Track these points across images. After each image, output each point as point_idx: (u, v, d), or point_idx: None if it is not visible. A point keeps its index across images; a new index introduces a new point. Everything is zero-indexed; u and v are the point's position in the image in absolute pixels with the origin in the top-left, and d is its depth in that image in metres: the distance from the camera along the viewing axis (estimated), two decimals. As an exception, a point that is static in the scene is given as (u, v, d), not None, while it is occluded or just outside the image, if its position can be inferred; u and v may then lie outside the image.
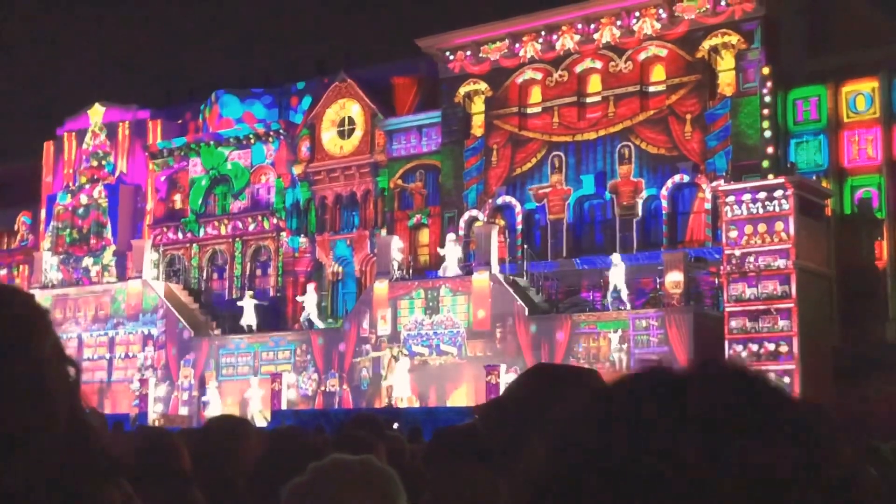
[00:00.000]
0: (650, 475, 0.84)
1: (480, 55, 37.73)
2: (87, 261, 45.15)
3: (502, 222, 36.22)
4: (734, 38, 33.21)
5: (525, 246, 34.73)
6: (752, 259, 28.55)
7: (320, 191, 41.23)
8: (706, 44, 33.56)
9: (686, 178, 33.49)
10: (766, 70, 32.12)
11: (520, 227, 36.03)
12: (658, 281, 30.91)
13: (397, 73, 40.99)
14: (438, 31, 38.72)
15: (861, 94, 31.34)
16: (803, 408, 0.92)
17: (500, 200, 36.71)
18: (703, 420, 0.86)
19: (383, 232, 38.34)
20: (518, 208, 36.35)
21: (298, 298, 37.80)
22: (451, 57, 38.18)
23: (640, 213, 34.23)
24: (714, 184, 31.54)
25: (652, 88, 34.69)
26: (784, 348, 27.69)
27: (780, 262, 28.16)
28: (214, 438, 4.24)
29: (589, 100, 35.83)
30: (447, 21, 40.01)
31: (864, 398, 25.04)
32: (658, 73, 34.73)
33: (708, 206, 32.65)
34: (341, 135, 41.00)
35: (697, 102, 33.54)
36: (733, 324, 28.48)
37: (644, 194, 34.22)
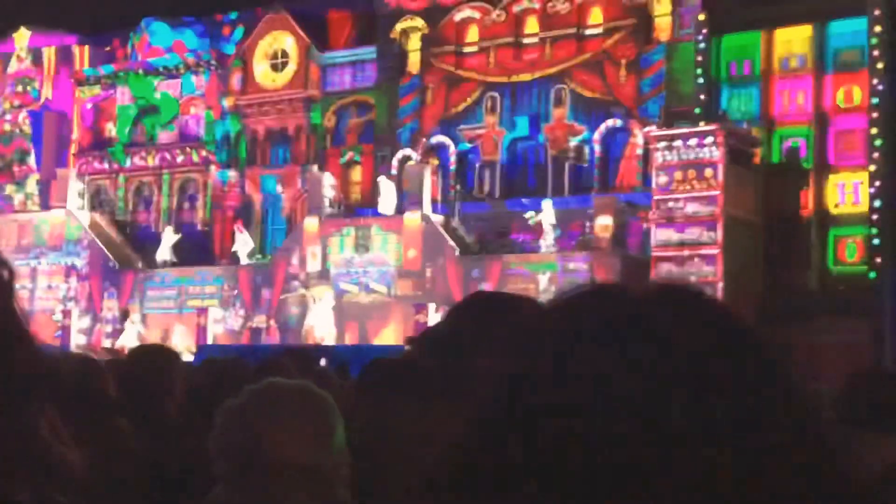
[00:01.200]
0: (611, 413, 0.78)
1: None
2: (10, 189, 44.13)
3: (436, 162, 36.13)
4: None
5: (457, 186, 34.72)
6: (680, 205, 28.88)
7: (251, 124, 40.67)
8: None
9: (619, 123, 33.64)
10: (701, 16, 32.23)
11: (453, 167, 35.98)
12: (588, 225, 31.15)
13: (333, 6, 40.37)
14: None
15: (794, 42, 31.61)
16: (773, 347, 0.87)
17: (433, 140, 36.57)
18: (682, 360, 0.80)
19: (314, 168, 37.98)
20: (452, 149, 36.26)
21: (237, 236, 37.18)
22: None
23: (575, 158, 34.35)
24: (646, 129, 31.74)
25: (589, 31, 34.66)
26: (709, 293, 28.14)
27: (708, 209, 28.52)
28: (141, 367, 4.15)
29: (526, 41, 35.69)
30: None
31: (787, 344, 25.56)
32: (595, 16, 34.68)
33: (640, 151, 32.89)
34: (274, 67, 40.37)
35: (633, 47, 33.61)
36: (660, 268, 28.84)
37: (578, 138, 34.34)
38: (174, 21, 43.80)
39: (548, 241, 31.15)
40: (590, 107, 34.24)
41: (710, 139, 28.80)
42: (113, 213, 41.91)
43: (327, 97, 39.09)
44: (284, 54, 40.23)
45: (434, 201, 33.70)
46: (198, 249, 38.87)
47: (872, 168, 28.97)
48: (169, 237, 37.01)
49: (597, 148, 33.95)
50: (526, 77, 35.35)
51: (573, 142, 34.31)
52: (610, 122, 33.72)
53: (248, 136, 40.69)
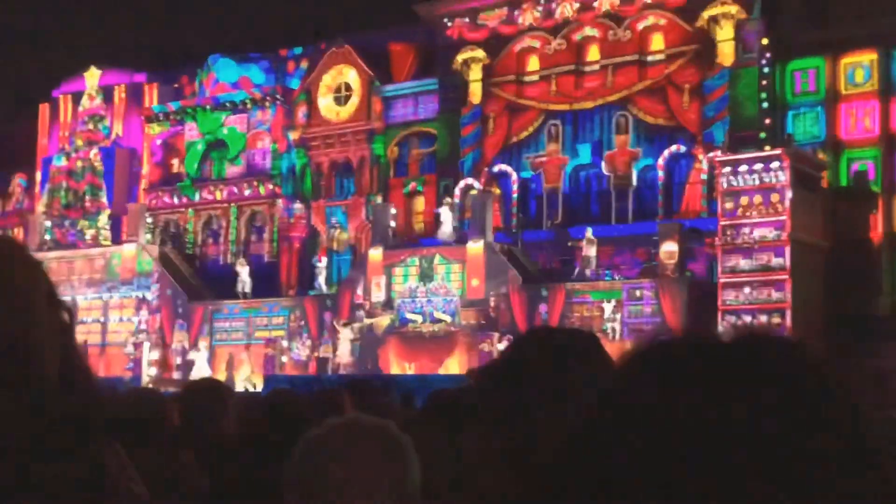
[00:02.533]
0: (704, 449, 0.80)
1: (479, 22, 37.52)
2: (82, 224, 45.04)
3: (498, 191, 36.18)
4: (733, 9, 33.03)
5: (520, 214, 34.72)
6: (746, 231, 28.54)
7: (316, 157, 41.10)
8: (706, 13, 33.39)
9: (683, 149, 33.43)
10: (764, 41, 31.98)
11: (515, 195, 35.99)
12: (652, 251, 30.92)
13: (395, 39, 40.75)
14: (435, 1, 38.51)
15: (860, 66, 31.23)
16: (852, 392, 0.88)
17: (495, 169, 36.64)
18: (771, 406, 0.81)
19: (378, 199, 38.27)
20: (514, 177, 36.29)
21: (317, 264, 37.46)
22: (449, 24, 37.96)
23: (634, 183, 34.19)
24: (711, 154, 31.48)
25: (650, 58, 34.56)
26: (777, 320, 27.74)
27: (775, 234, 28.16)
28: (194, 400, 4.25)
29: (587, 68, 35.69)
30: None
31: (856, 370, 25.09)
32: (657, 43, 34.58)
33: (704, 176, 32.62)
34: (338, 101, 40.81)
35: (696, 72, 33.42)
36: (727, 295, 28.51)
37: (640, 164, 34.18)
38: (240, 57, 44.55)
39: (589, 266, 31.05)
40: (652, 133, 34.09)
41: (776, 163, 28.47)
42: (182, 247, 42.57)
43: (390, 128, 39.41)
44: (348, 87, 40.66)
45: (497, 230, 33.72)
46: (265, 281, 39.29)
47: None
48: (244, 269, 37.38)
49: (660, 174, 33.75)
50: (588, 104, 35.31)
51: (636, 168, 34.17)
52: (673, 148, 33.52)
53: (313, 169, 41.13)
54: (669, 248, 29.94)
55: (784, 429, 0.80)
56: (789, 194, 28.17)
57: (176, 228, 43.53)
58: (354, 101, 40.38)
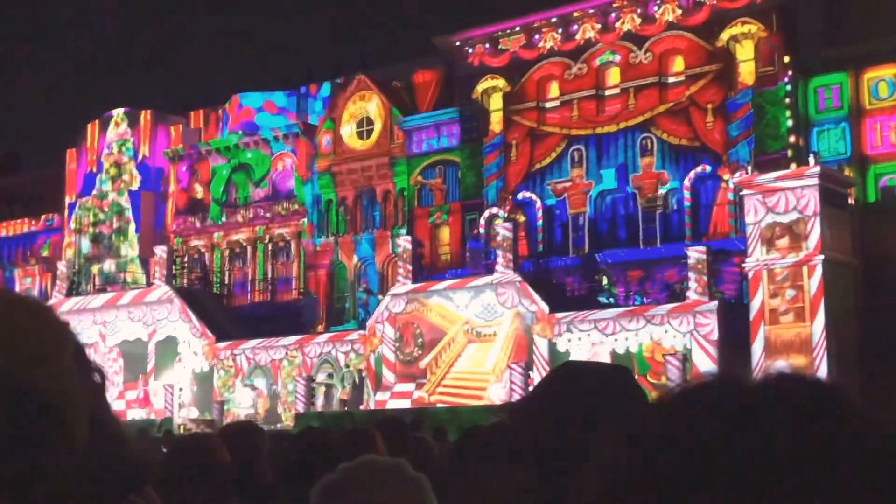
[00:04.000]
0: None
1: (499, 47, 37.68)
2: (110, 266, 45.40)
3: (522, 218, 36.16)
4: (754, 27, 33.00)
5: (544, 243, 34.73)
6: (776, 255, 28.29)
7: (340, 191, 41.25)
8: (725, 34, 33.37)
9: (709, 169, 33.32)
10: (786, 59, 31.91)
11: (540, 222, 35.96)
12: (681, 273, 30.76)
13: (416, 67, 41.04)
14: (456, 31, 38.74)
15: (883, 80, 31.08)
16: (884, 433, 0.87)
17: (519, 196, 36.63)
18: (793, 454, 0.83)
19: (403, 231, 38.36)
20: (538, 204, 36.27)
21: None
22: (470, 51, 38.10)
23: (665, 205, 34.09)
24: (737, 176, 31.33)
25: (672, 79, 34.55)
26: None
27: (805, 253, 27.91)
28: (234, 443, 4.22)
29: (608, 92, 35.72)
30: (465, 21, 40.13)
31: (891, 388, 24.81)
32: (678, 64, 34.57)
33: (731, 196, 32.47)
34: (360, 135, 41.02)
35: (718, 92, 33.37)
36: (757, 316, 28.30)
37: (667, 186, 34.09)
38: (262, 96, 45.19)
39: (611, 292, 31.07)
40: (677, 154, 34.01)
41: (802, 182, 28.26)
42: (209, 286, 42.78)
43: (412, 158, 39.54)
44: (369, 121, 40.87)
45: (524, 258, 33.72)
46: (292, 316, 39.41)
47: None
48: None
49: (686, 195, 33.64)
50: (611, 128, 35.31)
51: (662, 191, 34.08)
52: (699, 169, 33.42)
53: (338, 202, 41.28)
54: (698, 273, 29.68)
55: (819, 474, 0.82)
56: (817, 212, 27.91)
57: (203, 269, 43.73)
58: (376, 132, 40.59)
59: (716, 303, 29.14)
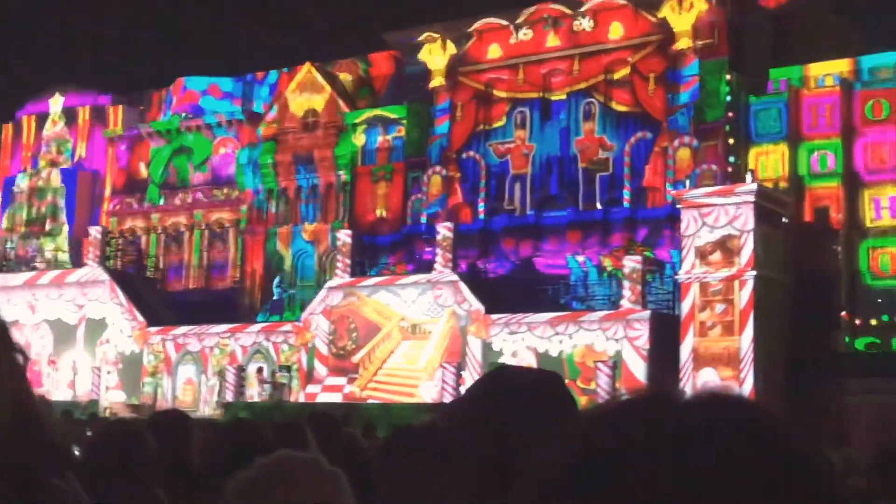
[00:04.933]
0: None
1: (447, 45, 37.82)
2: (43, 241, 44.66)
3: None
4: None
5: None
6: (711, 269, 28.67)
7: (282, 182, 40.91)
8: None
9: (649, 136, 33.87)
10: (728, 76, 32.50)
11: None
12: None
13: (363, 65, 40.98)
14: (407, 27, 38.76)
15: (823, 103, 31.64)
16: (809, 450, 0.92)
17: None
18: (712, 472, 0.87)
19: (343, 227, 38.28)
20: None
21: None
22: (418, 38, 38.10)
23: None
24: (675, 191, 31.71)
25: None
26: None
27: (737, 270, 28.32)
28: (164, 431, 4.19)
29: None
30: (417, 18, 40.13)
31: (817, 406, 25.32)
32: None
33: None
34: (305, 126, 40.77)
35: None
36: (688, 327, 28.69)
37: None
38: (206, 81, 44.72)
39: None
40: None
41: (738, 199, 28.68)
42: (143, 269, 42.25)
43: (356, 113, 39.40)
44: (315, 113, 40.61)
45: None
46: (226, 305, 39.09)
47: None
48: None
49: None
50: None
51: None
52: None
53: (279, 192, 40.95)
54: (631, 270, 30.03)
55: (743, 491, 0.85)
56: (752, 230, 28.34)
57: (137, 252, 43.17)
58: (321, 125, 40.36)
59: (648, 312, 29.49)
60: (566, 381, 2.20)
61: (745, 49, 33.21)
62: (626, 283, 29.94)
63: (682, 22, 33.68)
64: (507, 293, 33.02)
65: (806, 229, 30.91)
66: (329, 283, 35.34)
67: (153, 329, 37.59)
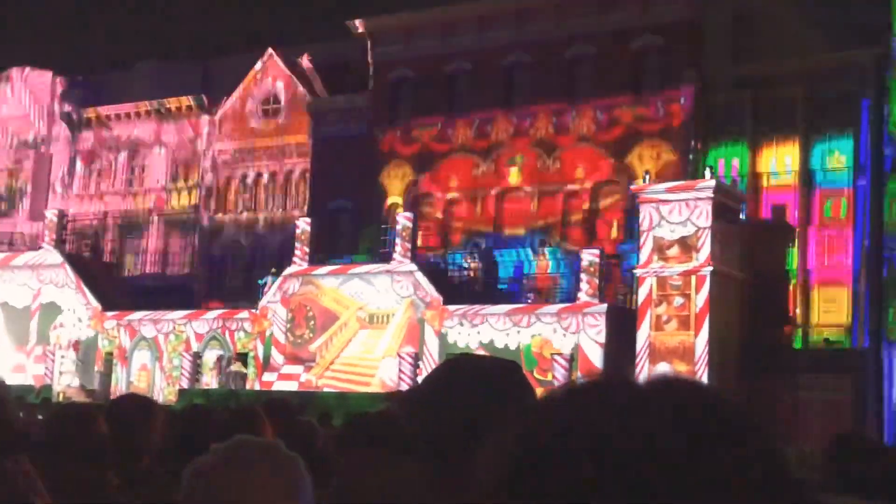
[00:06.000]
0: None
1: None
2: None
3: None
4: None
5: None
6: (669, 265, 28.85)
7: (242, 168, 40.72)
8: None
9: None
10: (690, 72, 32.69)
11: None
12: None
13: (327, 53, 40.76)
14: (371, 15, 38.59)
15: (781, 103, 31.90)
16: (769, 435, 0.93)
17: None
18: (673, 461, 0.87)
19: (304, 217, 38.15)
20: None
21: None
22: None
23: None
24: (633, 185, 31.88)
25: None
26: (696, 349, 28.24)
27: (694, 265, 28.53)
28: (125, 415, 4.16)
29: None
30: (380, 5, 39.92)
31: (770, 401, 25.62)
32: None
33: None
34: (265, 112, 40.57)
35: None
36: (645, 322, 28.91)
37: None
38: (168, 64, 44.29)
39: None
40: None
41: (696, 194, 28.88)
42: (100, 254, 41.84)
43: (318, 100, 38.83)
44: (276, 100, 40.43)
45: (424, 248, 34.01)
46: (181, 292, 38.82)
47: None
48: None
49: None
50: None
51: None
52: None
53: (239, 178, 40.73)
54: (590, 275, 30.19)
55: (699, 474, 0.86)
56: (709, 226, 28.57)
57: (94, 237, 42.74)
58: (283, 110, 40.17)
59: (605, 305, 29.67)
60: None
61: (706, 52, 33.39)
62: (584, 276, 30.07)
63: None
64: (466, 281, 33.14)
65: (763, 226, 31.23)
66: (287, 271, 35.19)
67: (109, 314, 37.25)
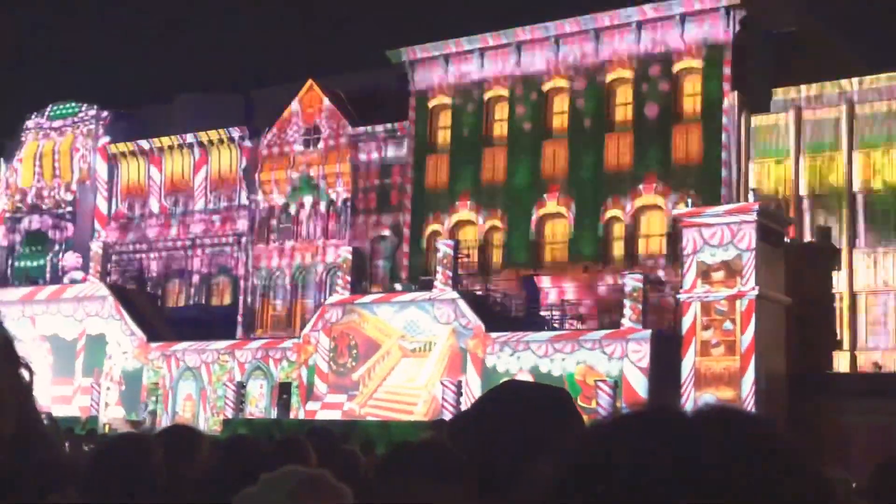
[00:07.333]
0: None
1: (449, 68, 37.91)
2: (47, 259, 44.68)
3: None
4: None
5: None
6: (713, 289, 28.59)
7: (284, 199, 40.95)
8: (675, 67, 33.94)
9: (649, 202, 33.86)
10: (730, 95, 32.51)
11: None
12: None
13: (366, 81, 41.00)
14: (409, 44, 38.80)
15: (825, 122, 31.62)
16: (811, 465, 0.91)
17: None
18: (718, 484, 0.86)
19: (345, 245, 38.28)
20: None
21: None
22: (423, 68, 38.24)
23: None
24: (675, 211, 31.68)
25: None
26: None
27: (739, 290, 28.24)
28: (171, 446, 4.16)
29: (556, 118, 36.13)
30: (419, 35, 40.22)
31: (816, 426, 25.24)
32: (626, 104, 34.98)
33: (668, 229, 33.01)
34: (306, 143, 40.83)
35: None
36: (690, 347, 28.62)
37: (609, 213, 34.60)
38: (207, 97, 44.76)
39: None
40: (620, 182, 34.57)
41: (740, 217, 28.60)
42: (143, 285, 42.22)
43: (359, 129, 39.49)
44: (317, 130, 40.70)
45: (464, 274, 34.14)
46: (225, 322, 39.05)
47: None
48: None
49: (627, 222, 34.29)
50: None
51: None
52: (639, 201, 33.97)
53: (280, 209, 40.98)
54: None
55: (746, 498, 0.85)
56: (754, 249, 28.27)
57: (139, 268, 43.16)
58: (323, 139, 40.45)
59: (649, 331, 29.41)
60: (567, 399, 2.18)
61: (748, 70, 33.27)
62: (627, 302, 29.85)
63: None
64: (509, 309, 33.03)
65: (807, 249, 30.88)
66: (328, 300, 35.30)
67: (153, 345, 37.55)
